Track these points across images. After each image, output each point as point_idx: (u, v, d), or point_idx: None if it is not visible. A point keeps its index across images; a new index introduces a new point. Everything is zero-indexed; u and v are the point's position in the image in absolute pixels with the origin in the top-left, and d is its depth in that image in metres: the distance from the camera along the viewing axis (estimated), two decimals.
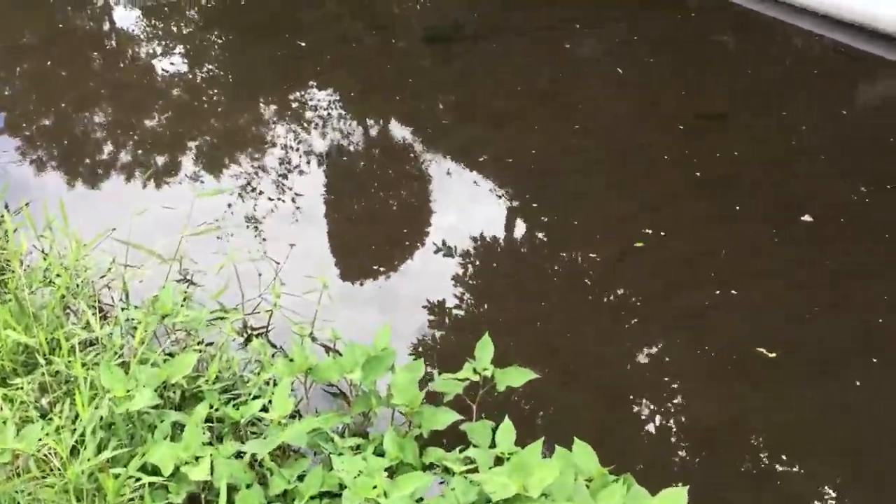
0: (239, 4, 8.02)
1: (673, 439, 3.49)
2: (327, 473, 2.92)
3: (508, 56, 6.86)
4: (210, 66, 6.94)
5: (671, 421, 3.56)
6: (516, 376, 3.38)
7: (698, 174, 5.08)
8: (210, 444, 3.07)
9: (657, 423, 3.55)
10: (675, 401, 3.64)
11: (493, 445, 3.08)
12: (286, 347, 3.96)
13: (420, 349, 3.99)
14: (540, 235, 4.68)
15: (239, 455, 3.01)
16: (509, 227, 4.79)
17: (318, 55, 6.94)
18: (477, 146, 5.57)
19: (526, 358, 3.84)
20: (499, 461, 2.97)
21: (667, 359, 3.85)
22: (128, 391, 3.03)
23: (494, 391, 3.29)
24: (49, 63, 6.86)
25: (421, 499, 2.83)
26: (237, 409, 3.14)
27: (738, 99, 6.03)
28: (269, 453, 2.96)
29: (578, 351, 3.93)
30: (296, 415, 3.40)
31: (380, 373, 3.32)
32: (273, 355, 3.74)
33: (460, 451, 3.04)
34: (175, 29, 7.68)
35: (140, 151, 5.70)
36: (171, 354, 3.56)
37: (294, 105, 6.26)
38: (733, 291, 4.16)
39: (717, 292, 4.16)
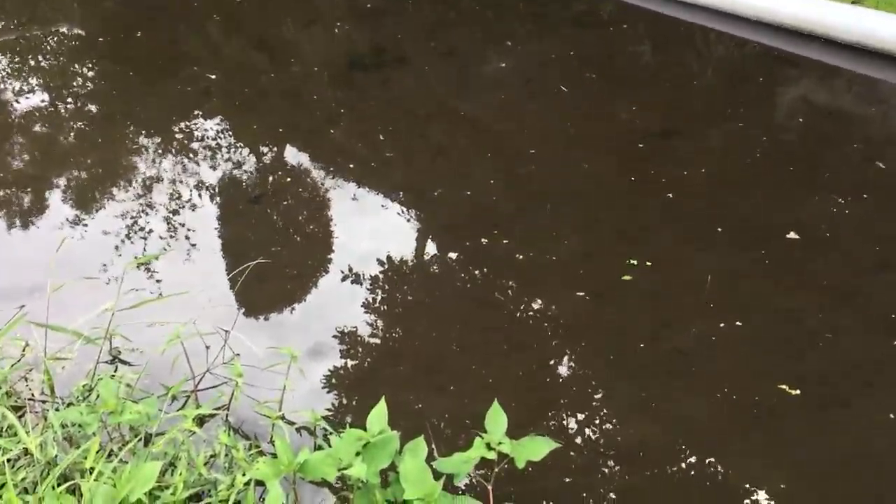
0: (136, 38, 7.31)
1: None
2: None
3: (438, 79, 6.45)
4: (112, 107, 6.24)
5: (712, 489, 3.18)
6: (536, 448, 2.93)
7: (670, 195, 4.78)
8: None
9: (698, 494, 3.17)
10: (708, 461, 3.26)
11: None
12: (249, 429, 3.39)
13: (407, 417, 3.49)
14: (516, 276, 4.25)
15: None
16: (479, 269, 4.34)
17: (232, 90, 6.34)
18: (422, 180, 5.12)
19: (523, 418, 3.40)
20: None
21: (683, 409, 3.48)
22: None
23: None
24: None
25: None
26: None
27: (685, 112, 5.81)
28: None
29: (582, 407, 3.51)
30: None
31: (383, 461, 2.81)
32: (249, 449, 3.17)
33: None
34: (58, 68, 6.91)
35: (44, 210, 4.97)
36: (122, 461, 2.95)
37: (211, 149, 5.65)
38: (738, 323, 3.84)
39: (722, 325, 3.83)
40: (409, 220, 4.75)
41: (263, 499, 2.96)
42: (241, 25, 7.71)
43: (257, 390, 3.52)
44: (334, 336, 3.91)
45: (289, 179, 5.23)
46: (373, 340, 3.90)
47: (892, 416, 3.36)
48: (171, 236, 4.65)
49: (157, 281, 4.20)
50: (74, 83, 6.62)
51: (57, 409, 3.24)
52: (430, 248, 4.53)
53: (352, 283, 4.27)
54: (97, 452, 2.86)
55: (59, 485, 2.74)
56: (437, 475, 2.75)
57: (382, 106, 6.07)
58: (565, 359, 3.76)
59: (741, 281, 4.14)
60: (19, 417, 3.11)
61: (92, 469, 2.79)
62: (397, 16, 7.74)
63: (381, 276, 4.30)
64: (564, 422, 3.44)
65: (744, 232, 4.47)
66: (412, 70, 6.61)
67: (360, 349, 3.85)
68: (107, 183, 5.24)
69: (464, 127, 5.72)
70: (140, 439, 3.11)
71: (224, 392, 3.47)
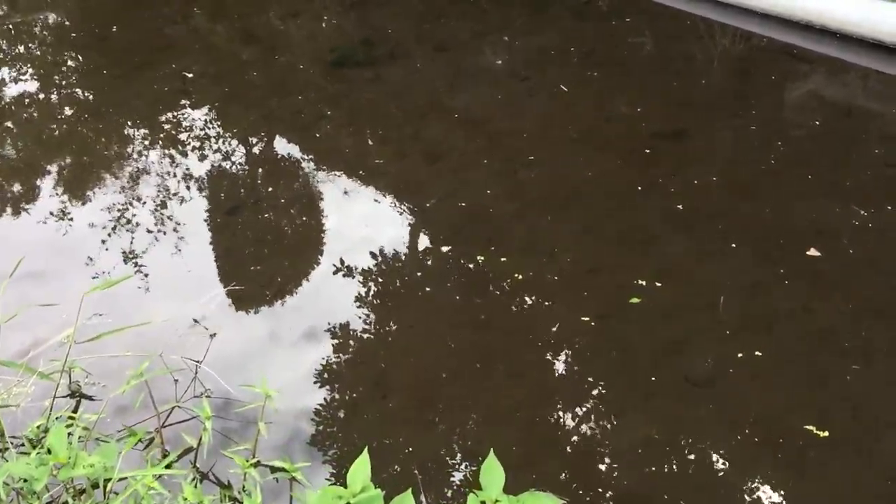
0: (111, 33, 6.93)
1: None
2: None
3: (431, 76, 6.10)
4: (80, 105, 5.87)
5: None
6: None
7: (679, 207, 4.44)
8: None
9: None
10: None
11: None
12: (222, 471, 3.07)
13: (394, 461, 3.16)
14: (514, 298, 3.92)
15: None
16: (474, 290, 4.00)
17: (210, 87, 5.98)
18: (413, 189, 4.78)
19: (522, 460, 3.08)
20: None
21: (699, 451, 3.15)
22: None
23: None
24: None
25: None
26: None
27: (693, 112, 5.46)
28: None
29: (587, 449, 3.19)
30: None
31: None
32: (222, 501, 2.84)
33: None
34: (37, 67, 6.53)
35: None
36: None
37: (183, 153, 5.29)
38: (757, 353, 3.51)
39: (740, 355, 3.50)
40: (399, 235, 4.41)
41: None
42: (224, 13, 7.34)
43: (232, 427, 3.19)
44: (316, 370, 3.58)
45: (269, 189, 4.88)
46: (358, 372, 3.57)
47: None
48: (137, 255, 4.30)
49: (121, 306, 3.85)
50: (33, 76, 6.25)
51: (4, 458, 2.91)
52: (422, 266, 4.19)
53: (336, 305, 3.93)
54: None
55: None
56: None
57: (372, 105, 5.71)
58: (568, 391, 3.43)
59: (758, 301, 3.80)
60: None
61: None
62: (386, 7, 7.37)
63: (368, 298, 3.97)
64: (568, 466, 3.11)
65: (760, 246, 4.14)
66: (403, 66, 6.25)
67: (344, 382, 3.51)
68: (67, 191, 4.88)
69: (458, 129, 5.36)
70: (98, 487, 2.79)
71: (194, 431, 3.15)
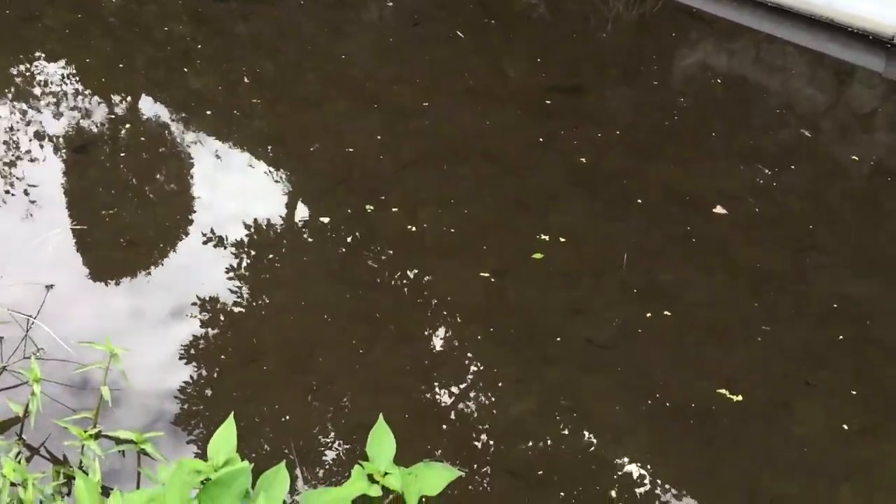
0: None
1: None
2: None
3: (315, 15, 5.59)
4: None
5: None
6: (434, 478, 2.27)
7: (583, 160, 4.16)
8: None
9: None
10: (638, 478, 2.67)
11: None
12: (56, 444, 2.56)
13: (267, 432, 2.73)
14: (406, 252, 3.53)
15: None
16: (362, 242, 3.59)
17: (63, 14, 5.27)
18: (294, 134, 4.30)
19: (416, 430, 2.73)
20: None
21: (605, 416, 2.87)
22: None
23: None
24: None
25: None
26: None
27: (595, 67, 5.21)
28: None
29: (484, 416, 2.85)
30: None
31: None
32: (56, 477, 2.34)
33: None
34: None
35: None
36: None
37: (28, 84, 4.60)
38: (666, 312, 3.26)
39: (648, 314, 3.24)
40: (277, 182, 3.94)
41: None
42: None
43: (70, 393, 2.69)
44: (175, 323, 3.08)
45: (127, 125, 4.29)
46: (227, 333, 3.09)
47: (844, 426, 2.87)
48: None
49: None
50: None
51: None
52: (303, 217, 3.73)
53: (202, 254, 3.43)
54: None
55: None
56: None
57: (247, 45, 5.16)
58: (464, 354, 3.08)
59: (664, 261, 3.57)
60: None
61: None
62: None
63: (240, 248, 3.48)
64: (462, 436, 2.76)
65: (666, 204, 3.91)
66: (283, 4, 5.71)
67: (211, 344, 3.03)
68: None
69: (343, 73, 4.90)
70: None
71: (23, 398, 2.62)
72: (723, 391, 2.93)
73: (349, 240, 3.54)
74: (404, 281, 3.36)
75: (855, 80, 5.42)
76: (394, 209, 3.70)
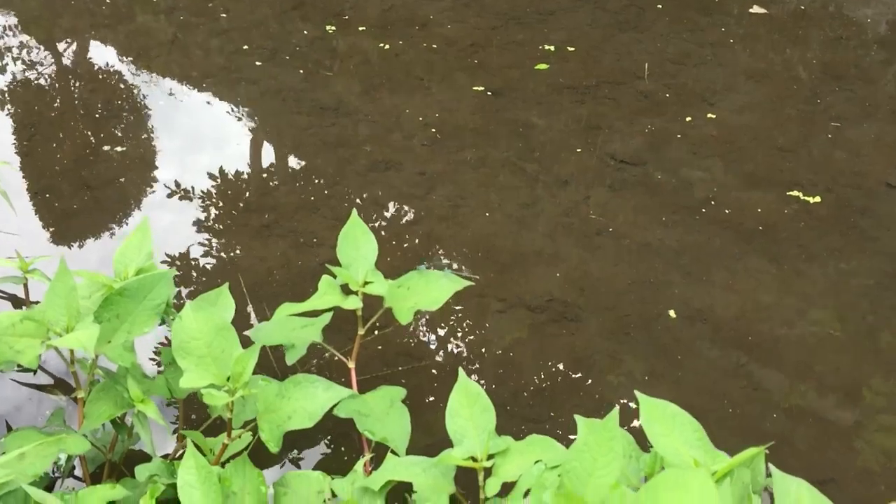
0: None
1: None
2: None
3: None
4: None
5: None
6: (433, 288, 1.63)
7: None
8: None
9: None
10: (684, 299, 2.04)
11: None
12: None
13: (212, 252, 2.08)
14: (392, 64, 2.85)
15: None
16: (345, 47, 2.91)
17: None
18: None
19: (404, 246, 2.10)
20: None
21: (637, 235, 2.24)
22: None
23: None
24: None
25: None
26: None
27: None
28: None
29: (496, 241, 2.21)
30: None
31: (140, 324, 1.43)
32: None
33: None
34: None
35: None
36: None
37: None
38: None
39: (688, 119, 2.59)
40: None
41: None
42: None
43: None
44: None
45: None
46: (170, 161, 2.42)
47: None
48: None
49: None
50: None
51: None
52: (261, 33, 3.04)
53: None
54: None
55: None
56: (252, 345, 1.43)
57: None
58: (461, 174, 2.42)
59: (695, 69, 2.91)
60: None
61: None
62: None
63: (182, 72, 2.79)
64: (457, 247, 2.12)
65: (695, 4, 3.24)
66: None
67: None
68: None
69: None
70: None
71: None
72: (795, 193, 2.30)
73: (333, 41, 2.86)
74: (386, 105, 2.68)
75: None
76: (360, 28, 3.01)
